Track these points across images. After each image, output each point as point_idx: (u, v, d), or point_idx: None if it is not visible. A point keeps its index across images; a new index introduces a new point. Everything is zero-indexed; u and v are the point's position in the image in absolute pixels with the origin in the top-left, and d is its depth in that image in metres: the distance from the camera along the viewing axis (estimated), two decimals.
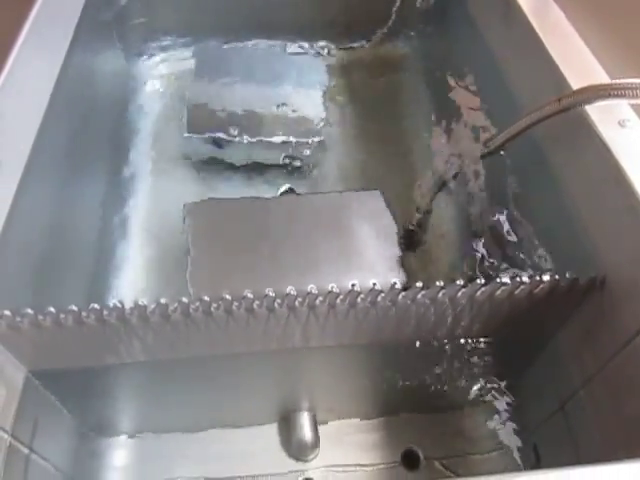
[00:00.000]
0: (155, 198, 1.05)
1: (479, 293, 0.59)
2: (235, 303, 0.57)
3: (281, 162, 1.05)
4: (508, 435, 0.81)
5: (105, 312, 0.55)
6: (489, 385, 0.79)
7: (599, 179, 0.62)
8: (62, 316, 0.55)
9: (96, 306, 0.55)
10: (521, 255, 0.79)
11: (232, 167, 1.07)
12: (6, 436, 0.58)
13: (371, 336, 0.64)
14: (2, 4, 0.78)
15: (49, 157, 0.74)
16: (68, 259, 0.81)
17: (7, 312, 0.54)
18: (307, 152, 1.03)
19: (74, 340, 0.58)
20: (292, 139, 1.02)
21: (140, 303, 0.56)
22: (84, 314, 0.55)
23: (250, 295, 0.57)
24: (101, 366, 0.63)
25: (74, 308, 0.55)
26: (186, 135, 1.02)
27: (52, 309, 0.55)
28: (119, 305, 0.56)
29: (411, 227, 0.95)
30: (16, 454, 0.60)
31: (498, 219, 0.87)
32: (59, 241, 0.76)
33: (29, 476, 0.62)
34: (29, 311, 0.54)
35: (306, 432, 0.80)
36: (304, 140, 1.02)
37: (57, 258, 0.75)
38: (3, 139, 0.65)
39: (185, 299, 0.56)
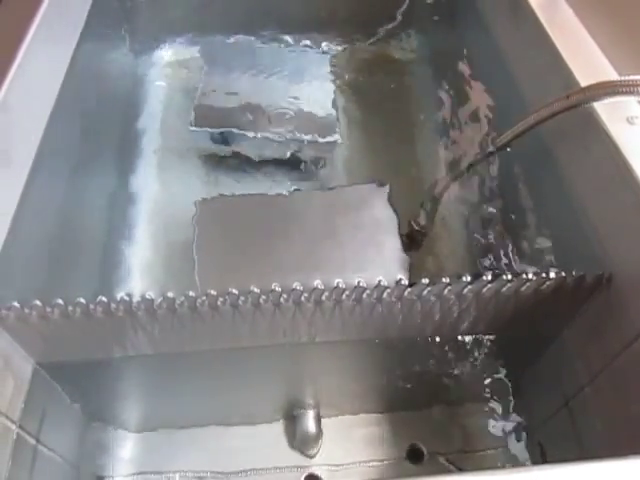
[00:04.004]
0: (162, 192, 1.05)
1: (485, 290, 0.59)
2: (241, 298, 0.57)
3: (288, 158, 1.05)
4: (513, 431, 0.81)
5: (113, 305, 0.56)
6: (494, 381, 0.79)
7: (607, 176, 0.62)
8: (70, 308, 0.55)
9: (104, 299, 0.55)
10: (528, 251, 0.79)
11: (239, 162, 1.07)
12: (14, 427, 0.58)
13: (376, 332, 0.65)
14: None
15: (57, 151, 0.74)
16: (76, 252, 0.81)
17: (16, 304, 0.55)
18: (315, 148, 1.03)
19: (82, 332, 0.59)
20: (301, 136, 1.01)
21: (147, 296, 0.56)
22: (92, 306, 0.56)
23: (256, 290, 0.57)
24: (108, 358, 0.64)
25: (82, 300, 0.55)
26: (193, 129, 1.02)
27: (60, 301, 0.55)
28: (126, 298, 0.56)
29: (417, 224, 0.95)
30: (23, 445, 0.60)
31: (505, 216, 0.87)
32: (67, 234, 0.77)
33: (36, 466, 0.63)
34: (37, 303, 0.55)
35: (309, 424, 0.80)
36: (313, 137, 1.02)
37: (65, 251, 0.76)
38: (12, 133, 0.66)
39: (192, 293, 0.56)
